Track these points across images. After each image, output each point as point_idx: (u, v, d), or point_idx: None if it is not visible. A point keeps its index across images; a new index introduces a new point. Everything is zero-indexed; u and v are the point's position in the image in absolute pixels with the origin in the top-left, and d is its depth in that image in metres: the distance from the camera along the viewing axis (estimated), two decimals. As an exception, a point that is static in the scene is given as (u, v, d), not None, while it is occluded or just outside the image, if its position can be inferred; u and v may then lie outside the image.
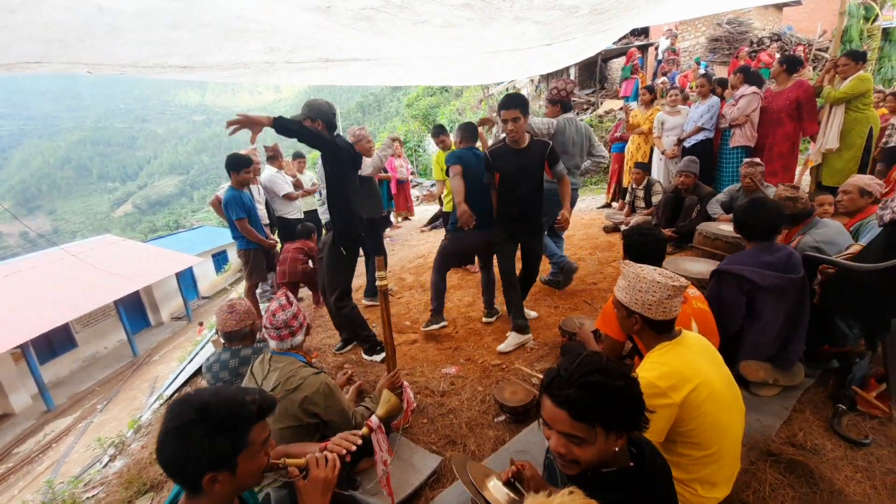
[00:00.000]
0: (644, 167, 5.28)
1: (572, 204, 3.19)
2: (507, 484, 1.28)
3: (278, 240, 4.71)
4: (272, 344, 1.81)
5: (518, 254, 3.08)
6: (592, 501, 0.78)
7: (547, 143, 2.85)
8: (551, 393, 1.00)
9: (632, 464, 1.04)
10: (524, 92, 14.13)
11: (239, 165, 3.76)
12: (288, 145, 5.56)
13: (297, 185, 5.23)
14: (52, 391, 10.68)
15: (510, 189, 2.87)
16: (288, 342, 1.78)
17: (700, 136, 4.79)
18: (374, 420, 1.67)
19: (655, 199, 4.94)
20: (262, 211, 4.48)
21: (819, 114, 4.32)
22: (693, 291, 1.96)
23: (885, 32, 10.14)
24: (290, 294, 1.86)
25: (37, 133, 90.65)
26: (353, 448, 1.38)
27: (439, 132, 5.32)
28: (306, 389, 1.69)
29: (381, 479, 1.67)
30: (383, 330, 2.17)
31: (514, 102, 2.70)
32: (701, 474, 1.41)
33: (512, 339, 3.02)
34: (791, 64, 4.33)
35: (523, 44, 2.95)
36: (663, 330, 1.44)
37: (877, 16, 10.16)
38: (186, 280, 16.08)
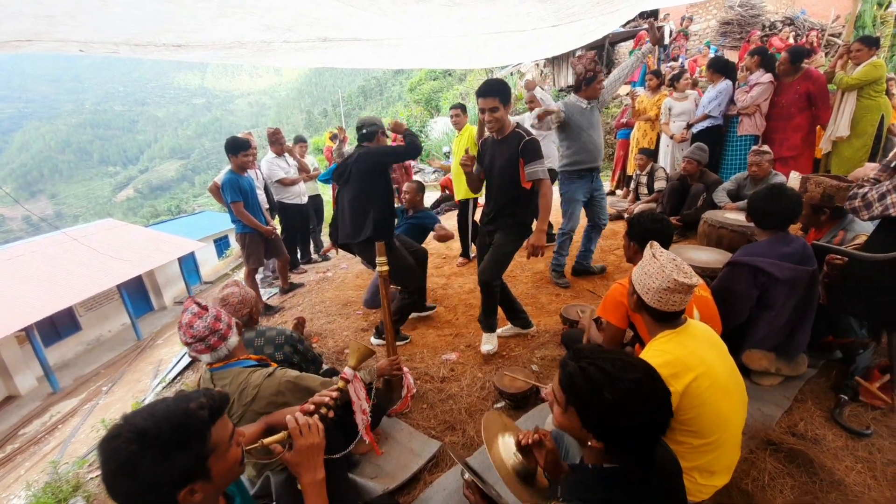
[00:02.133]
0: (649, 153, 5.20)
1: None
2: (523, 449, 1.26)
3: (277, 226, 4.69)
4: (205, 359, 1.59)
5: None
6: None
7: (523, 136, 2.39)
8: (568, 353, 1.07)
9: (636, 464, 1.01)
10: (529, 76, 13.89)
11: (237, 148, 3.72)
12: (289, 129, 5.48)
13: (303, 168, 5.19)
14: (57, 373, 10.81)
15: (488, 185, 2.67)
16: (223, 349, 1.57)
17: (709, 122, 4.69)
18: (347, 371, 1.56)
19: (658, 186, 4.87)
20: (261, 196, 4.44)
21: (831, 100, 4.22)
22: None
23: (900, 18, 9.85)
24: (199, 301, 1.61)
25: (36, 116, 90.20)
26: (330, 402, 1.32)
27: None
28: (265, 395, 1.55)
29: (361, 429, 1.63)
30: (383, 315, 2.17)
31: (492, 89, 2.32)
32: (700, 462, 1.41)
33: (485, 339, 2.81)
34: (796, 57, 4.17)
35: (528, 24, 2.87)
36: (661, 319, 1.42)
37: (890, 2, 9.87)
38: (188, 265, 16.13)
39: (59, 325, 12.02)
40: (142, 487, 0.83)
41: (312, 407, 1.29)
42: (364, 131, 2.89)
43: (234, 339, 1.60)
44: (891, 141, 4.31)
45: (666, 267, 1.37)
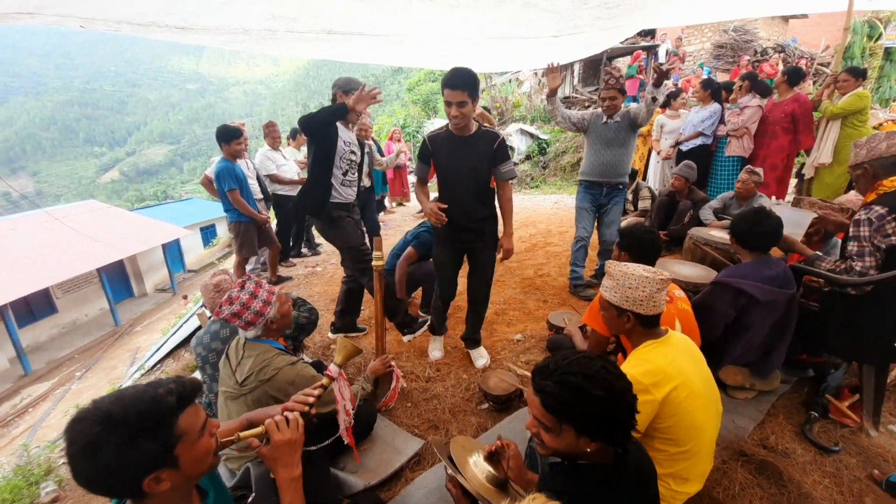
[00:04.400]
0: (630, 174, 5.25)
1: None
2: (491, 458, 1.29)
3: (269, 216, 4.65)
4: (241, 332, 1.71)
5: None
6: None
7: (496, 135, 2.28)
8: (534, 378, 1.03)
9: (611, 462, 1.03)
10: (527, 85, 14.01)
11: (229, 136, 3.69)
12: (284, 121, 5.44)
13: (300, 165, 5.19)
14: (30, 356, 10.51)
15: (448, 187, 2.38)
16: (251, 331, 1.68)
17: (698, 141, 4.80)
18: (333, 368, 1.54)
19: (642, 204, 4.95)
20: (254, 185, 4.40)
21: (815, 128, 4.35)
22: (678, 293, 1.98)
23: (887, 52, 10.23)
24: (247, 282, 1.68)
25: (23, 91, 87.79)
26: (312, 400, 1.32)
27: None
28: (280, 381, 1.63)
29: (343, 429, 1.62)
30: (375, 311, 2.17)
31: (461, 81, 2.05)
32: (675, 469, 1.45)
33: (478, 354, 2.77)
34: (793, 76, 4.33)
35: (531, 32, 2.92)
36: (652, 325, 1.46)
37: (880, 34, 10.25)
38: (173, 252, 15.83)
39: (35, 307, 11.69)
40: (105, 471, 0.82)
41: (297, 406, 1.29)
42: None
43: (272, 311, 1.67)
44: None
45: (644, 275, 1.43)
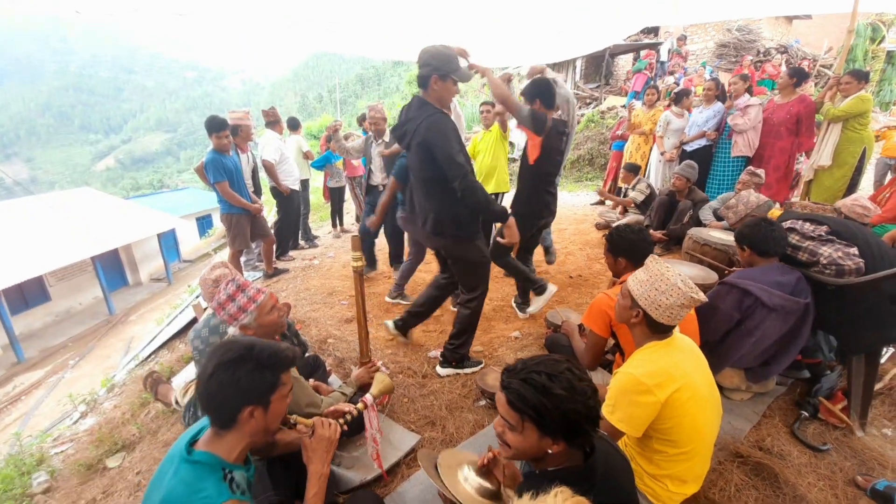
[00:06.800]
0: (632, 168, 5.24)
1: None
2: (483, 471, 1.29)
3: (264, 205, 4.60)
4: (230, 330, 1.72)
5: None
6: (581, 499, 0.78)
7: None
8: (502, 376, 1.09)
9: (581, 465, 1.07)
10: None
11: (212, 128, 3.60)
12: (282, 111, 5.37)
13: (308, 155, 5.17)
14: (22, 343, 10.43)
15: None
16: (232, 328, 1.68)
17: (703, 142, 4.78)
18: (368, 398, 1.76)
19: (633, 195, 4.98)
20: (248, 180, 4.35)
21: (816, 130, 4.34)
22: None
23: (889, 55, 10.22)
24: (230, 281, 1.64)
25: (18, 76, 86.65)
26: (349, 417, 1.59)
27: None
28: None
29: (372, 454, 1.75)
30: (357, 314, 2.14)
31: None
32: (673, 471, 1.45)
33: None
34: (800, 77, 4.30)
35: (535, 25, 2.88)
36: (658, 331, 1.44)
37: (883, 37, 10.23)
38: (168, 241, 15.70)
39: (28, 294, 11.60)
40: (234, 385, 1.03)
41: (339, 413, 1.56)
42: (419, 74, 2.07)
43: (247, 318, 1.62)
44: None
45: (679, 286, 1.37)
